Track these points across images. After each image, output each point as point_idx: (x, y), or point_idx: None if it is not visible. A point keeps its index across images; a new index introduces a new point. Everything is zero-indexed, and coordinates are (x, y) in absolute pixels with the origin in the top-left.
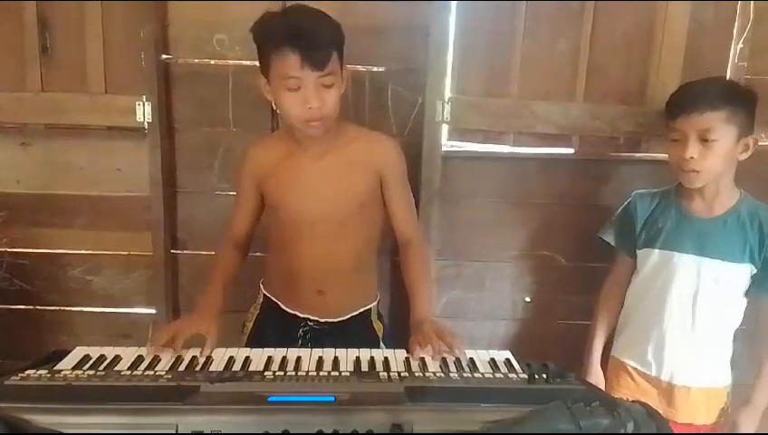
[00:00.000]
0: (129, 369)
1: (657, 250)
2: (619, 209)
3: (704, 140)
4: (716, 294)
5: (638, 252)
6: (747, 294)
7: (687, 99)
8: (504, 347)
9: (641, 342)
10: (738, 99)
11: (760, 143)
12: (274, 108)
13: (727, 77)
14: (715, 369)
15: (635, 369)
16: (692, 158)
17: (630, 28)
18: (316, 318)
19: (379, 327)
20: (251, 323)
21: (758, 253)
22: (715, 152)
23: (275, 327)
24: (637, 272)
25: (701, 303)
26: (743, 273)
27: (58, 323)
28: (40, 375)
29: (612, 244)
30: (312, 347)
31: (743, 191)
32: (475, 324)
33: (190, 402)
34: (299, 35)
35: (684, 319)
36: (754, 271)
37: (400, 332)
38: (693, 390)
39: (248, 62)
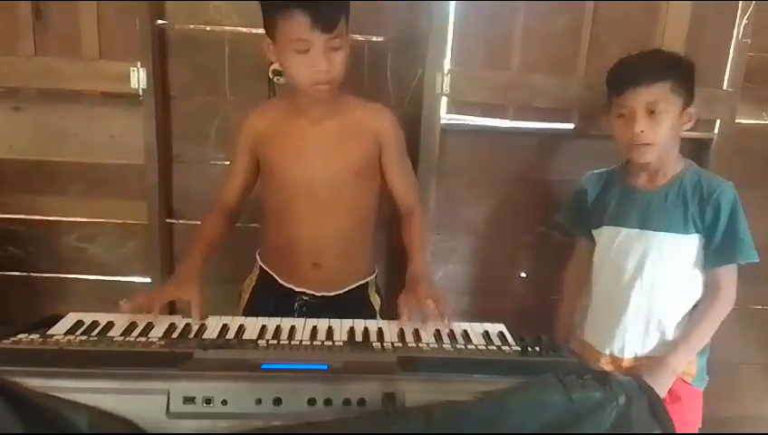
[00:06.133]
0: (121, 335)
1: (604, 227)
2: (573, 193)
3: (651, 112)
4: (664, 266)
5: (593, 232)
6: (705, 266)
7: (633, 73)
8: (499, 322)
9: (601, 321)
10: (680, 69)
11: (762, 122)
12: (271, 76)
13: (730, 54)
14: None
15: (599, 351)
16: (642, 131)
17: (634, 2)
18: (312, 292)
19: (376, 301)
20: (247, 295)
21: (701, 222)
22: (663, 124)
23: (271, 300)
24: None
25: (650, 276)
26: (690, 244)
27: (52, 291)
28: (32, 340)
29: (567, 227)
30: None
31: (688, 161)
32: (470, 299)
33: (182, 368)
34: None
35: (636, 294)
36: (703, 241)
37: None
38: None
39: (245, 30)
